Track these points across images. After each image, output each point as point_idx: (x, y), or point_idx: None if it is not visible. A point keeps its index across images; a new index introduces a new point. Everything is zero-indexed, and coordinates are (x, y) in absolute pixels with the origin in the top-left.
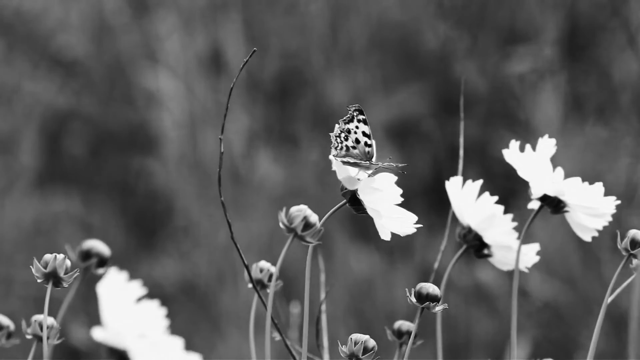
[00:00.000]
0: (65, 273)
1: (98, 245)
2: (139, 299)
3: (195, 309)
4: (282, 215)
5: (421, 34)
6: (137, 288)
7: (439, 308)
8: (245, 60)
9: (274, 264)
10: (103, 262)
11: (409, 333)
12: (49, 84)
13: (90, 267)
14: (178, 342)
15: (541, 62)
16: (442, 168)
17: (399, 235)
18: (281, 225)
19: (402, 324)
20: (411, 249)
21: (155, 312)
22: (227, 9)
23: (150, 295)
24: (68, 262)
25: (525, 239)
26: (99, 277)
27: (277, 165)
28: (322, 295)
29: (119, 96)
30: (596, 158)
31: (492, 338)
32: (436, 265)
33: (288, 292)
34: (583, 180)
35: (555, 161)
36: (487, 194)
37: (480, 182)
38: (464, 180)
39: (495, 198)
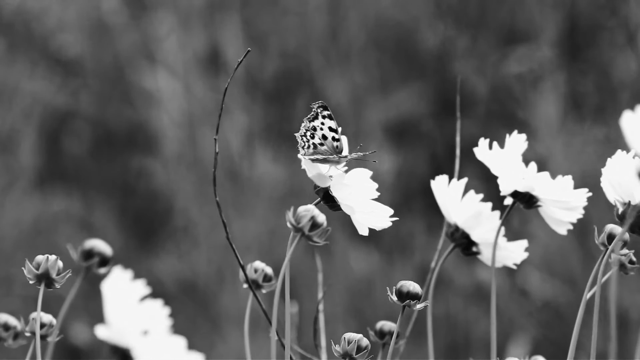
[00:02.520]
0: (58, 274)
1: (100, 245)
2: (143, 298)
3: (195, 308)
4: (289, 214)
5: (420, 33)
6: (141, 287)
7: (420, 306)
8: (239, 60)
9: (274, 263)
10: (105, 261)
11: (390, 333)
12: (49, 84)
13: (92, 266)
14: (180, 341)
15: (541, 62)
16: (442, 168)
17: (398, 235)
18: (288, 224)
19: (384, 324)
20: (411, 248)
21: (158, 311)
22: (225, 9)
23: (149, 295)
24: (60, 263)
25: (526, 238)
26: (99, 277)
27: (277, 165)
28: (320, 295)
29: (118, 96)
30: (596, 157)
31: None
32: (433, 264)
33: (284, 292)
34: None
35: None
36: (472, 192)
37: (465, 180)
38: (462, 181)
39: (481, 196)
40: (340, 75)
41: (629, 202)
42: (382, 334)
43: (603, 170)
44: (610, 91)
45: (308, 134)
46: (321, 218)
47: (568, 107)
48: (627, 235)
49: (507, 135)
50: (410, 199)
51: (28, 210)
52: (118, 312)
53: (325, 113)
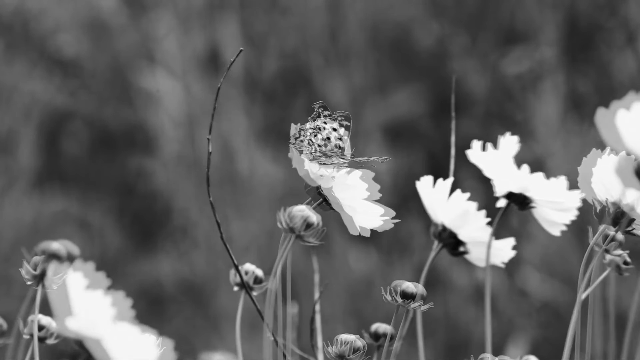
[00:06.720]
0: (56, 275)
1: (54, 246)
2: (107, 289)
3: (193, 308)
4: (281, 214)
5: (418, 33)
6: (103, 279)
7: (414, 305)
8: (232, 60)
9: (273, 264)
10: (61, 262)
11: (385, 335)
12: (47, 84)
13: (49, 267)
14: (149, 330)
15: (540, 62)
16: (440, 168)
17: (397, 236)
18: (279, 225)
19: (379, 326)
20: (410, 248)
21: (123, 302)
22: (224, 9)
23: (148, 295)
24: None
25: (525, 239)
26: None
27: (276, 165)
28: (317, 295)
29: (117, 96)
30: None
31: (492, 338)
32: (428, 264)
33: (285, 292)
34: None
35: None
36: (459, 191)
37: (451, 179)
38: (457, 181)
39: (468, 195)
40: (340, 76)
41: (617, 201)
42: (377, 336)
43: (593, 170)
44: (609, 91)
45: (309, 133)
46: (314, 218)
47: (567, 107)
48: (621, 236)
49: (501, 137)
50: (409, 199)
51: (27, 211)
52: (83, 304)
53: (326, 113)
